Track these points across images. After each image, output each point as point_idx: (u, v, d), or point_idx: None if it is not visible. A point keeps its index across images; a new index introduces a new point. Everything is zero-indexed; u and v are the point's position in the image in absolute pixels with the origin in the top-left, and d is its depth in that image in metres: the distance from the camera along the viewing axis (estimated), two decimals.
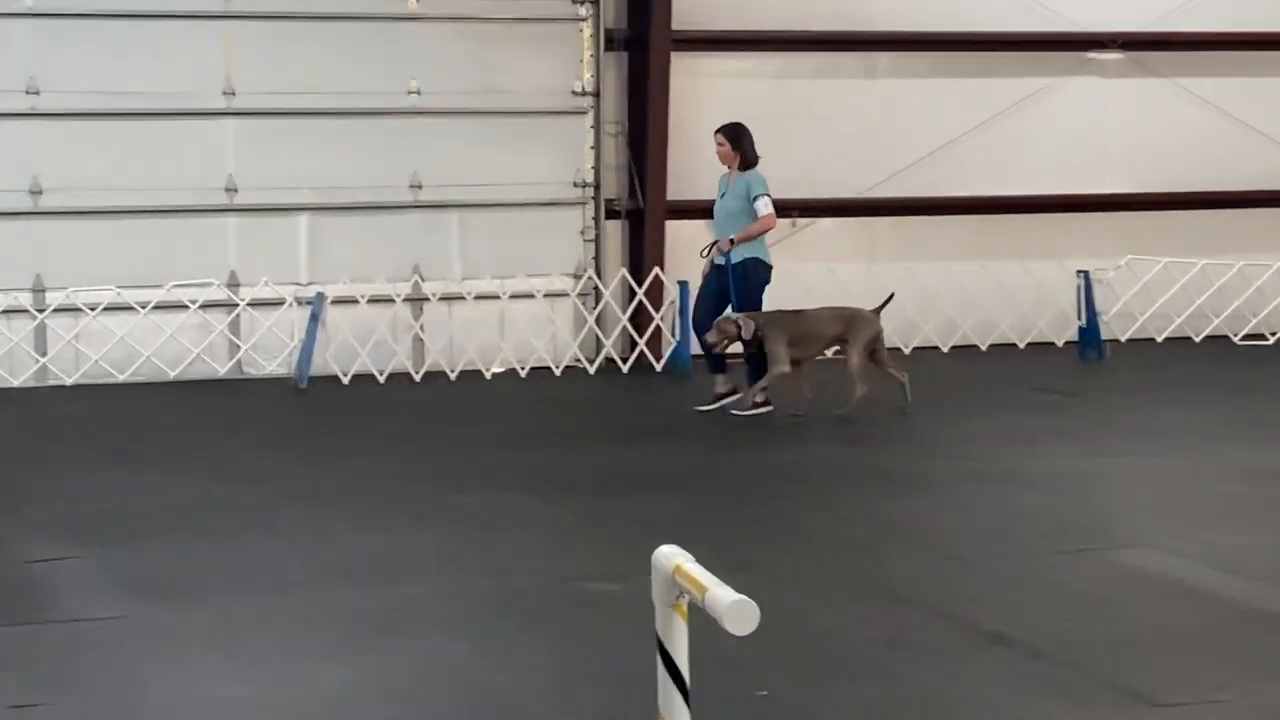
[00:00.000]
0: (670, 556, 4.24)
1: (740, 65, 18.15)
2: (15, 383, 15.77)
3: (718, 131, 14.03)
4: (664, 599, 4.29)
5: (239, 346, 16.44)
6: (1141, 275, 18.04)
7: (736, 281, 13.68)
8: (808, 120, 18.08)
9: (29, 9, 15.92)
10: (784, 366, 13.50)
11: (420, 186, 16.91)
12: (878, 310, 13.87)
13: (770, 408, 13.63)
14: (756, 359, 13.70)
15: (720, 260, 13.77)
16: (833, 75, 18.33)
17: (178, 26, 16.29)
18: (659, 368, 16.89)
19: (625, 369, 16.93)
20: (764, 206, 13.72)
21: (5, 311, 15.78)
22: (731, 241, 13.69)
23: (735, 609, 3.97)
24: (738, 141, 13.94)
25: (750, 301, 13.70)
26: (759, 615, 4.05)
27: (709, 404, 13.88)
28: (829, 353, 14.13)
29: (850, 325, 13.71)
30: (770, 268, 13.84)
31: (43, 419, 14.13)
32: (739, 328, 13.44)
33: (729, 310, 13.66)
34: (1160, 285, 18.13)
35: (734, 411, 13.69)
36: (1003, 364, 17.02)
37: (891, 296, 14.24)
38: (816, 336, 13.75)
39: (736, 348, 13.63)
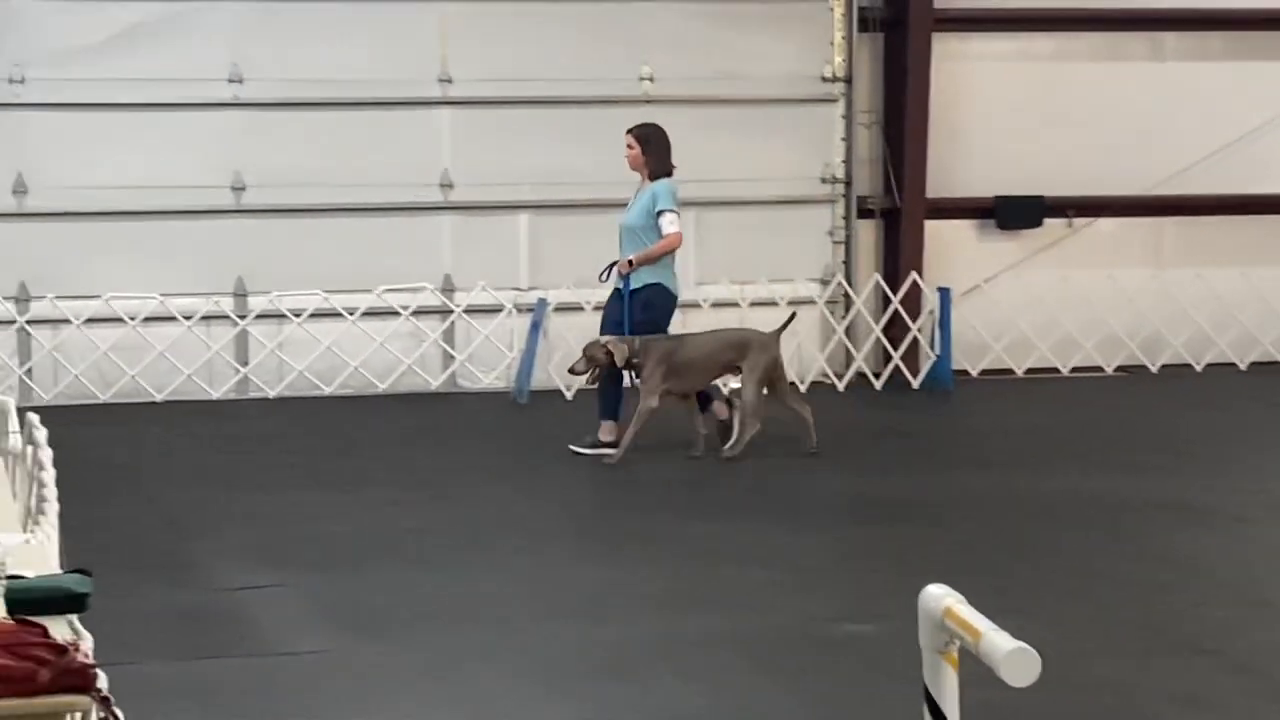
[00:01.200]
0: (939, 598, 4.21)
1: (1009, 47, 17.96)
2: (215, 394, 16.14)
3: (629, 131, 13.35)
4: (932, 644, 4.25)
5: (453, 357, 16.66)
6: None
7: (634, 311, 13.08)
8: (1085, 109, 17.84)
9: None
10: (652, 401, 12.79)
11: None
12: (777, 333, 13.11)
13: (607, 451, 12.93)
14: (610, 390, 13.13)
15: (619, 285, 13.16)
16: (1114, 58, 18.07)
17: (390, 9, 16.57)
18: (916, 384, 16.78)
19: (878, 385, 16.84)
20: (669, 224, 12.97)
21: (205, 318, 16.15)
22: (630, 263, 13.05)
23: (1014, 658, 3.93)
24: (647, 145, 13.23)
25: (650, 334, 13.00)
26: (1040, 665, 4.00)
27: (584, 446, 13.16)
28: (734, 382, 13.41)
29: (743, 351, 12.98)
30: (675, 296, 13.24)
31: (243, 434, 14.44)
32: (609, 354, 12.82)
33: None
34: None
35: (574, 447, 13.10)
36: None
37: (793, 317, 13.44)
38: (702, 365, 12.99)
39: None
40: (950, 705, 4.21)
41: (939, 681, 4.23)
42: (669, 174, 13.23)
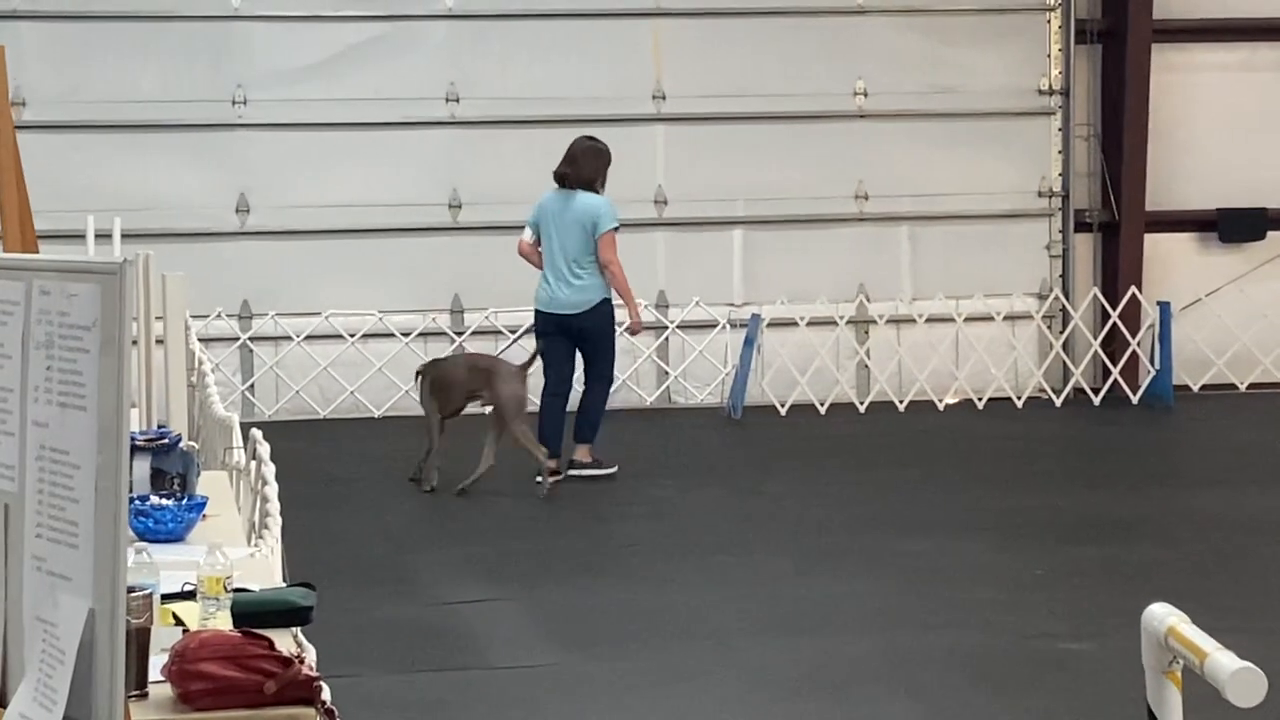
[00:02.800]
0: (1163, 617, 4.16)
1: (1231, 58, 17.67)
2: None
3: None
4: (1155, 664, 4.20)
5: (668, 373, 16.73)
6: None
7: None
8: None
9: (448, 10, 16.51)
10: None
11: (866, 197, 16.95)
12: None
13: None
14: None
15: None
16: None
17: (603, 25, 16.69)
18: (1135, 400, 16.55)
19: (1097, 401, 16.64)
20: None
21: (423, 334, 16.35)
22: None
23: (1240, 677, 3.87)
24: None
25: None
26: (1266, 685, 3.94)
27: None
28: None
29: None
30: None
31: (456, 449, 14.57)
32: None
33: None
34: None
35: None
36: None
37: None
38: (452, 388, 12.56)
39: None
40: None
41: (1163, 701, 4.19)
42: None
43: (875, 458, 13.98)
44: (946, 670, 7.98)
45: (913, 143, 16.95)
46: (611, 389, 13.43)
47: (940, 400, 16.55)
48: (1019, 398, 16.67)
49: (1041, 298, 17.11)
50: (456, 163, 16.51)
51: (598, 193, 12.81)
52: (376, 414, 16.09)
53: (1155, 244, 17.25)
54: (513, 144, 16.54)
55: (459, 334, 16.43)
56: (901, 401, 16.50)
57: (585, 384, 13.06)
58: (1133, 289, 16.84)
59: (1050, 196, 17.21)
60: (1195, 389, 16.91)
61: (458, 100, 16.49)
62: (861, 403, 16.51)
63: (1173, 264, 17.37)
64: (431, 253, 16.45)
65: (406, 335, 16.26)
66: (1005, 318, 16.88)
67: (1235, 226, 17.36)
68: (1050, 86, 17.17)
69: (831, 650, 8.33)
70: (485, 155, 16.51)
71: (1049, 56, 17.15)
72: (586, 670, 8.03)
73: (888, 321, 16.87)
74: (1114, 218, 17.22)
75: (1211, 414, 15.98)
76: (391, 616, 9.00)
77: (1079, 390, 16.81)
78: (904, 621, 8.87)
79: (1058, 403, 16.67)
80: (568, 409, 12.96)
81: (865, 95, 16.93)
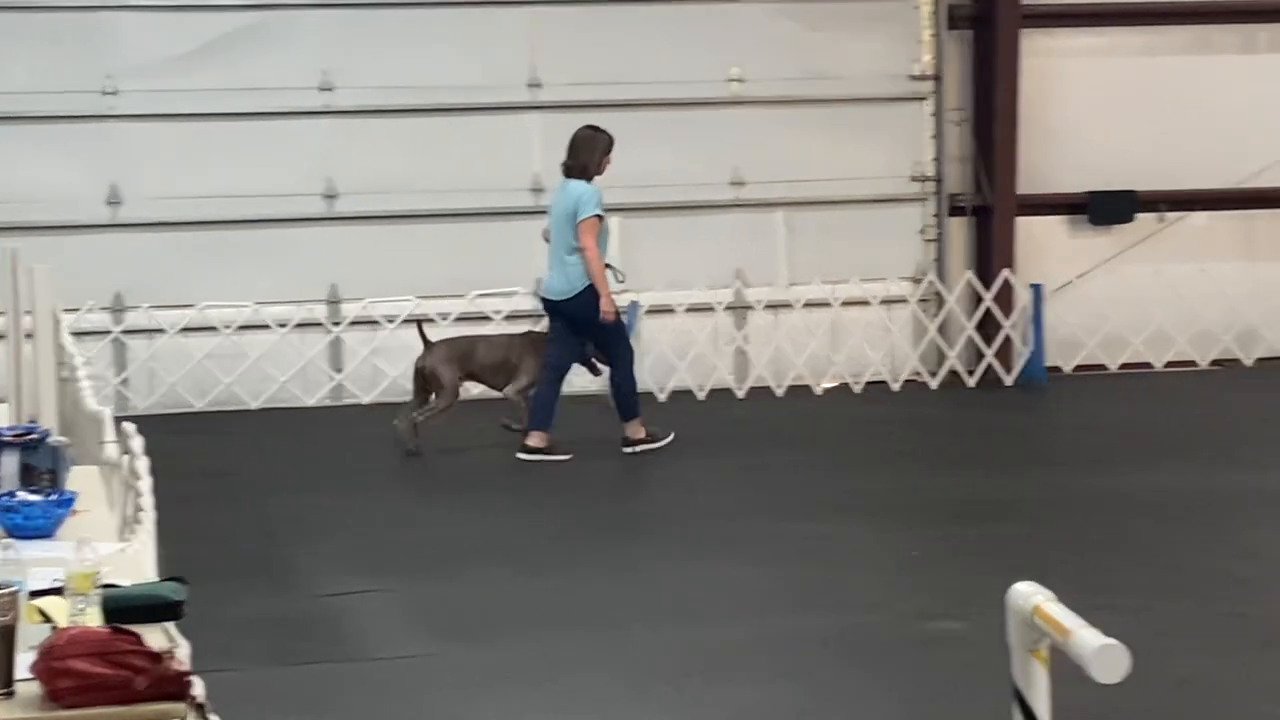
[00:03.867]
0: (1028, 595, 4.20)
1: (1099, 42, 17.86)
2: (310, 402, 16.25)
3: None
4: (1021, 642, 4.25)
5: None
6: None
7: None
8: (1176, 103, 17.71)
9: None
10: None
11: (742, 184, 17.00)
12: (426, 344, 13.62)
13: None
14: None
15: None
16: (1205, 51, 17.94)
17: (478, 14, 16.64)
18: (1009, 381, 16.70)
19: (972, 383, 16.78)
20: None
21: (299, 325, 16.27)
22: None
23: (1103, 654, 3.92)
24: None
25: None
26: (1129, 662, 3.99)
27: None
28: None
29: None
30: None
31: (338, 440, 14.53)
32: None
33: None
34: None
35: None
36: None
37: (419, 323, 13.81)
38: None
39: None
40: (1040, 703, 4.21)
41: (1029, 679, 4.23)
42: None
43: (755, 443, 14.04)
44: (825, 652, 8.04)
45: (788, 129, 17.01)
46: (629, 364, 13.44)
47: (818, 385, 16.63)
48: (895, 381, 16.78)
49: (916, 282, 17.21)
50: (331, 152, 16.41)
51: (590, 180, 13.09)
52: (253, 406, 15.98)
53: (1027, 227, 17.40)
54: (388, 133, 16.47)
55: (335, 324, 16.34)
56: (779, 386, 16.57)
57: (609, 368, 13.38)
58: (1006, 272, 16.99)
59: (924, 181, 17.33)
60: (1068, 370, 17.09)
61: (331, 89, 16.39)
62: (740, 388, 16.57)
63: (1045, 247, 17.53)
64: (307, 243, 16.35)
65: (283, 326, 16.16)
66: (881, 302, 16.98)
67: (1105, 209, 17.55)
68: (923, 72, 17.27)
69: (714, 635, 8.36)
70: (360, 145, 16.42)
71: (920, 42, 17.25)
72: (468, 660, 8.02)
73: (765, 307, 16.93)
74: (986, 201, 17.35)
75: (1083, 394, 16.16)
76: (268, 610, 8.95)
77: (954, 373, 16.93)
78: (784, 605, 8.92)
79: (933, 385, 16.79)
80: (562, 389, 13.39)
81: (740, 82, 16.98)
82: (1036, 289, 16.70)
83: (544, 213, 16.63)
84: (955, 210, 17.46)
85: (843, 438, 14.17)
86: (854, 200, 17.10)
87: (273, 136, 16.25)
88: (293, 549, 10.40)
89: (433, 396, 13.64)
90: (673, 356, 16.41)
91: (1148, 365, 17.27)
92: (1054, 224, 17.76)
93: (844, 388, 16.65)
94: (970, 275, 17.17)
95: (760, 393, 16.50)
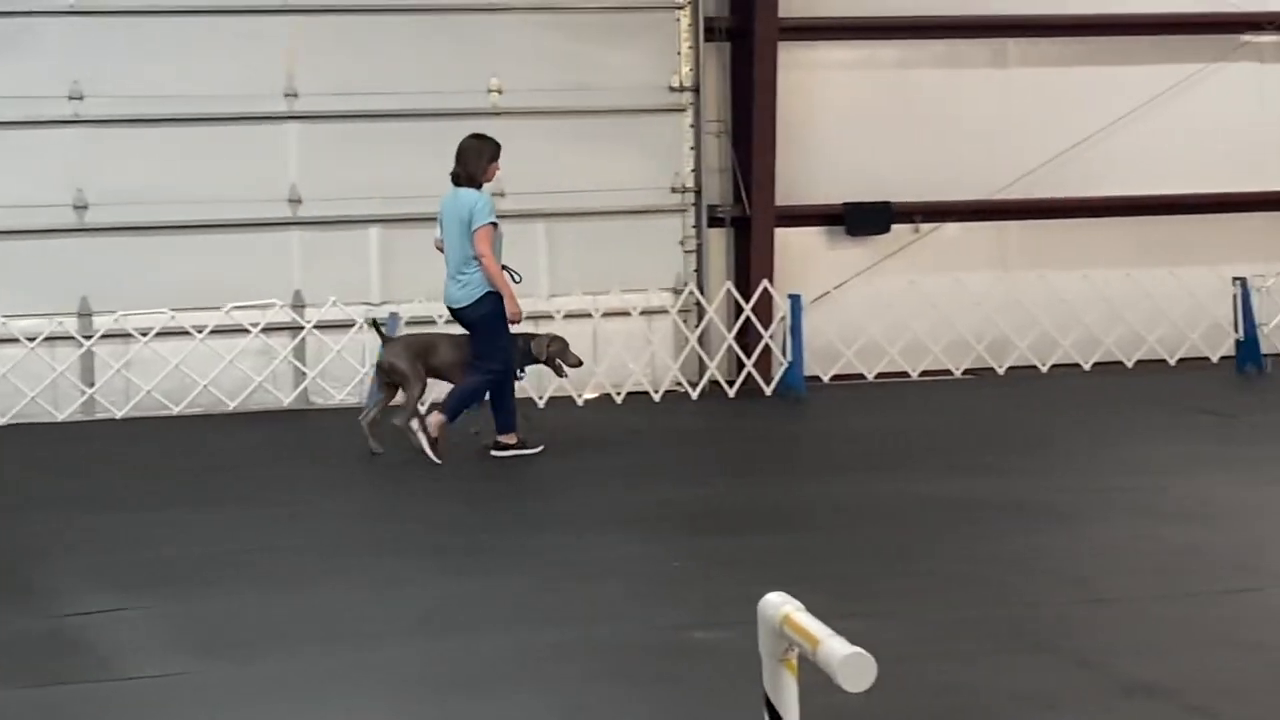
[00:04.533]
0: (778, 605, 4.22)
1: (854, 55, 18.11)
2: (60, 416, 15.95)
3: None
4: (772, 652, 4.27)
5: (305, 374, 16.55)
6: None
7: None
8: (930, 115, 18.03)
9: (70, 6, 16.12)
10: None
11: (503, 194, 16.96)
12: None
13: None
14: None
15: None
16: (958, 65, 18.28)
17: (234, 22, 16.46)
18: (769, 391, 16.85)
19: (732, 393, 16.91)
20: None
21: (49, 339, 15.96)
22: None
23: (849, 663, 3.95)
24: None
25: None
26: (876, 670, 4.02)
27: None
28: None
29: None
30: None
31: (90, 456, 14.27)
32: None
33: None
34: None
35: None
36: (1151, 382, 16.90)
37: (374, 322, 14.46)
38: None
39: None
40: (790, 712, 4.23)
41: (779, 688, 4.25)
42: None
43: (534, 457, 14.01)
44: (579, 664, 8.02)
45: (548, 140, 17.03)
46: (493, 378, 13.53)
47: (579, 395, 16.65)
48: (656, 391, 16.86)
49: (677, 292, 17.31)
50: (81, 162, 16.12)
51: (479, 188, 13.30)
52: (0, 421, 15.64)
53: (786, 238, 17.59)
54: (141, 143, 16.23)
55: (87, 337, 16.05)
56: (541, 397, 16.57)
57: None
58: (764, 283, 17.14)
59: (683, 192, 17.44)
60: (826, 379, 17.29)
61: (81, 98, 16.10)
62: None
63: (803, 258, 17.74)
64: (56, 254, 16.05)
65: (32, 340, 15.83)
66: (641, 313, 17.07)
67: (861, 220, 17.79)
68: (681, 84, 17.38)
69: (467, 648, 8.31)
70: (112, 154, 16.16)
71: (679, 54, 17.37)
72: (220, 678, 7.89)
73: (526, 318, 16.85)
74: (745, 213, 17.51)
75: (841, 404, 16.35)
76: (13, 630, 8.74)
77: (714, 383, 17.06)
78: (541, 617, 8.89)
79: (694, 395, 16.90)
80: (504, 389, 13.58)
81: (500, 93, 16.96)
82: (795, 299, 16.88)
83: (300, 224, 16.60)
84: (714, 221, 17.59)
85: (604, 449, 14.19)
86: (614, 211, 17.16)
87: (19, 145, 15.94)
88: (39, 567, 10.17)
89: (399, 392, 13.79)
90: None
91: (904, 374, 17.54)
92: (812, 235, 17.98)
93: (605, 398, 16.69)
94: (729, 286, 17.30)
95: (521, 404, 16.41)
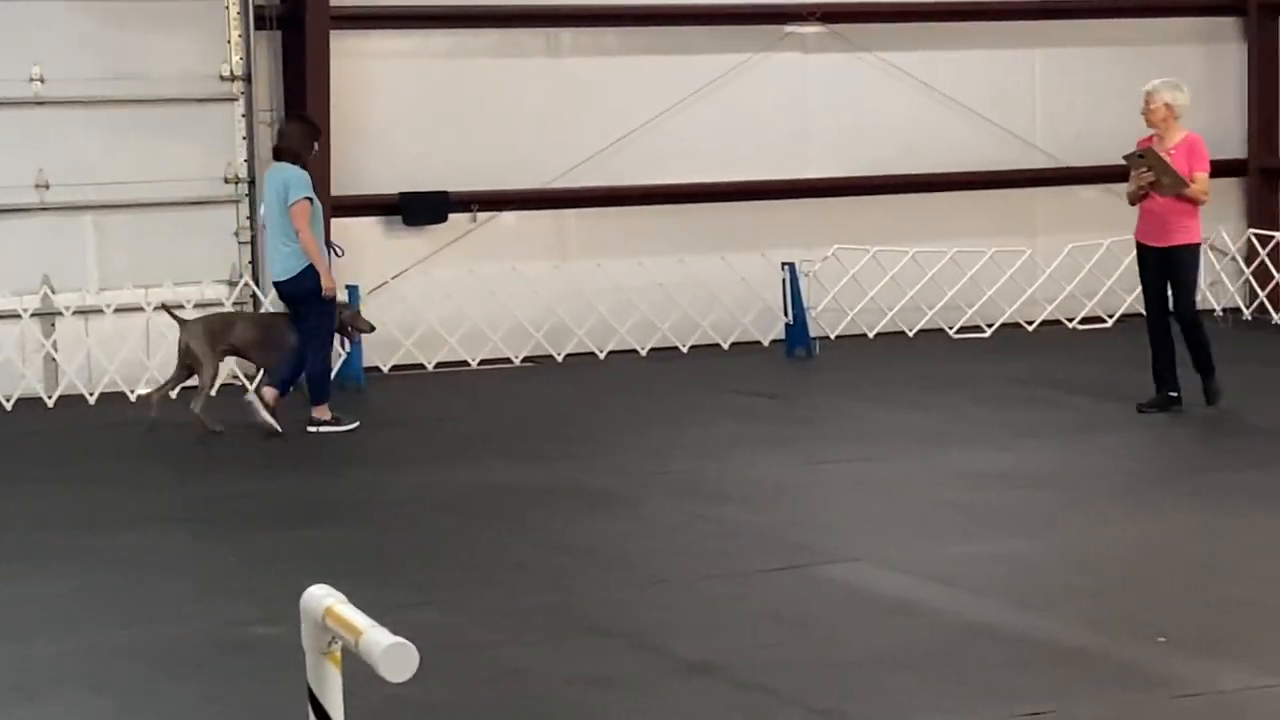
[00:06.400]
0: (321, 599, 4.23)
1: (408, 44, 18.11)
2: None
3: None
4: (315, 645, 4.27)
5: None
6: (850, 265, 18.44)
7: None
8: (485, 105, 18.12)
9: None
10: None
11: (47, 186, 16.53)
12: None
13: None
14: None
15: None
16: (512, 54, 18.40)
17: None
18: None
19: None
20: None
21: None
22: None
23: (391, 653, 3.98)
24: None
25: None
26: (418, 660, 4.05)
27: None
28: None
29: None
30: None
31: None
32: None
33: None
34: (870, 276, 18.55)
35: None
36: (705, 366, 17.26)
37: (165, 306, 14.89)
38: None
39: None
40: (334, 705, 4.24)
41: (323, 681, 4.26)
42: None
43: (68, 452, 13.72)
44: (136, 663, 7.94)
45: (95, 130, 16.63)
46: (329, 349, 14.38)
47: (133, 391, 16.30)
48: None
49: (232, 285, 17.06)
50: None
51: (302, 165, 13.91)
52: None
53: (343, 228, 17.48)
54: None
55: None
56: (92, 394, 16.20)
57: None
58: None
59: (237, 183, 17.20)
60: (386, 370, 17.26)
61: None
62: (50, 396, 16.13)
63: (361, 247, 17.64)
64: None
65: None
66: (196, 306, 16.75)
67: (417, 210, 17.80)
68: (232, 72, 17.13)
69: (16, 653, 8.13)
70: None
71: (229, 43, 17.11)
72: None
73: (75, 313, 16.49)
74: None
75: (402, 394, 16.35)
76: None
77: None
78: (97, 618, 8.77)
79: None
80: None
81: (42, 82, 16.49)
82: (352, 290, 16.78)
83: None
84: None
85: (159, 444, 13.95)
86: (166, 203, 16.85)
87: None
88: None
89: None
90: None
91: (464, 363, 17.61)
92: (369, 225, 17.92)
93: (121, 395, 16.27)
94: None
95: (72, 400, 16.10)
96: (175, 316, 14.34)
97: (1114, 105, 18.15)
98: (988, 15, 19.80)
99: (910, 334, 18.63)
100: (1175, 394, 13.65)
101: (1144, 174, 13.39)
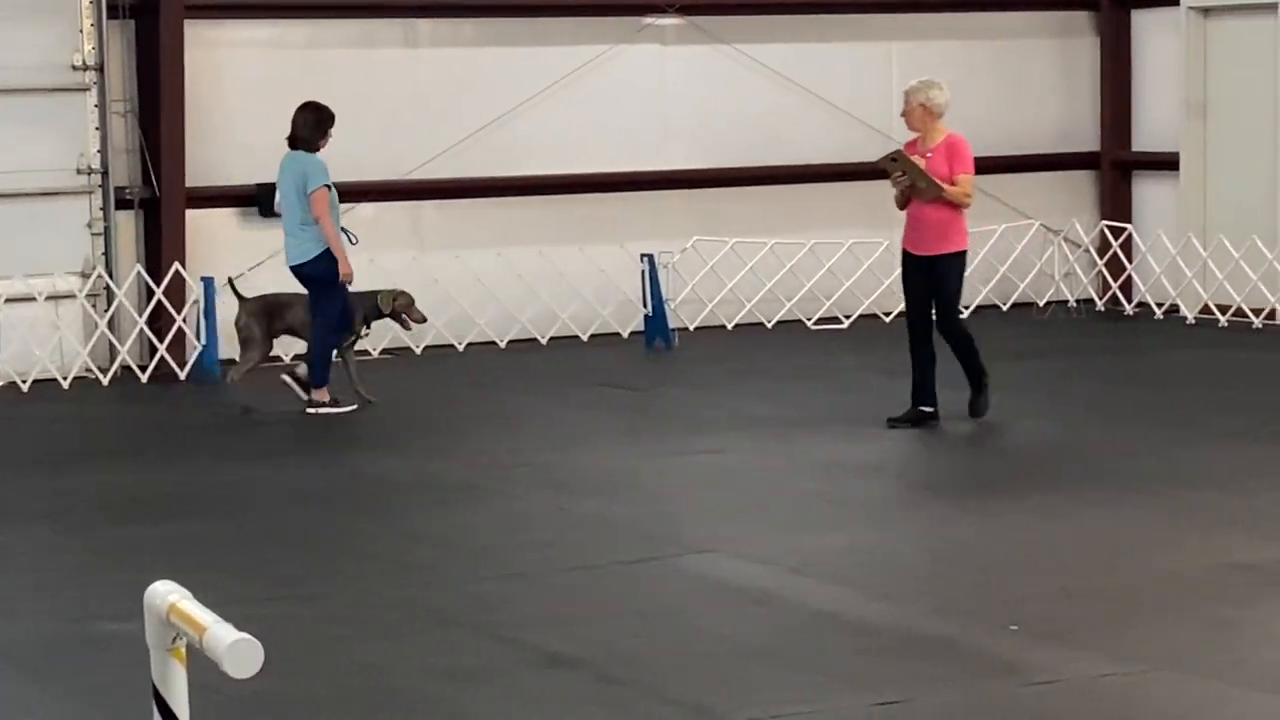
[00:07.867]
0: (164, 595, 4.16)
1: (263, 34, 17.93)
2: None
3: None
4: (159, 642, 4.20)
5: None
6: (709, 257, 18.46)
7: None
8: (343, 96, 17.79)
9: None
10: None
11: None
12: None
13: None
14: None
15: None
16: (369, 45, 18.28)
17: None
18: (184, 375, 16.56)
19: (145, 378, 16.55)
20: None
21: None
22: None
23: (236, 650, 3.92)
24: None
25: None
26: (263, 655, 3.99)
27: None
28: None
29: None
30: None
31: None
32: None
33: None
34: (729, 267, 18.58)
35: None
36: (565, 358, 17.24)
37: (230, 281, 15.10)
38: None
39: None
40: (179, 703, 4.17)
41: (167, 678, 4.19)
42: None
43: None
44: None
45: None
46: (337, 334, 14.40)
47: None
48: (65, 378, 16.36)
49: (85, 276, 16.82)
50: None
51: (316, 153, 14.16)
52: None
53: (198, 220, 17.31)
54: None
55: None
56: None
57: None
58: (176, 265, 16.83)
59: (90, 174, 16.95)
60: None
61: None
62: None
63: (216, 239, 17.47)
64: None
65: None
66: (48, 298, 16.54)
67: (274, 201, 17.62)
68: (84, 62, 16.89)
69: None
70: None
71: (81, 31, 16.87)
72: None
73: None
74: (155, 194, 17.16)
75: (258, 386, 16.17)
76: None
77: (127, 368, 16.67)
78: None
79: (105, 381, 16.47)
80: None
81: None
82: (208, 282, 16.61)
83: None
84: (123, 204, 17.17)
85: (11, 439, 13.76)
86: (15, 194, 16.58)
87: None
88: None
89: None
90: None
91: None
92: (225, 216, 17.73)
93: (11, 386, 16.11)
94: (140, 269, 16.94)
95: None
96: (237, 293, 14.62)
97: (970, 98, 18.26)
98: (846, 8, 19.87)
99: (769, 325, 18.68)
100: (931, 409, 12.92)
101: (899, 178, 12.67)
